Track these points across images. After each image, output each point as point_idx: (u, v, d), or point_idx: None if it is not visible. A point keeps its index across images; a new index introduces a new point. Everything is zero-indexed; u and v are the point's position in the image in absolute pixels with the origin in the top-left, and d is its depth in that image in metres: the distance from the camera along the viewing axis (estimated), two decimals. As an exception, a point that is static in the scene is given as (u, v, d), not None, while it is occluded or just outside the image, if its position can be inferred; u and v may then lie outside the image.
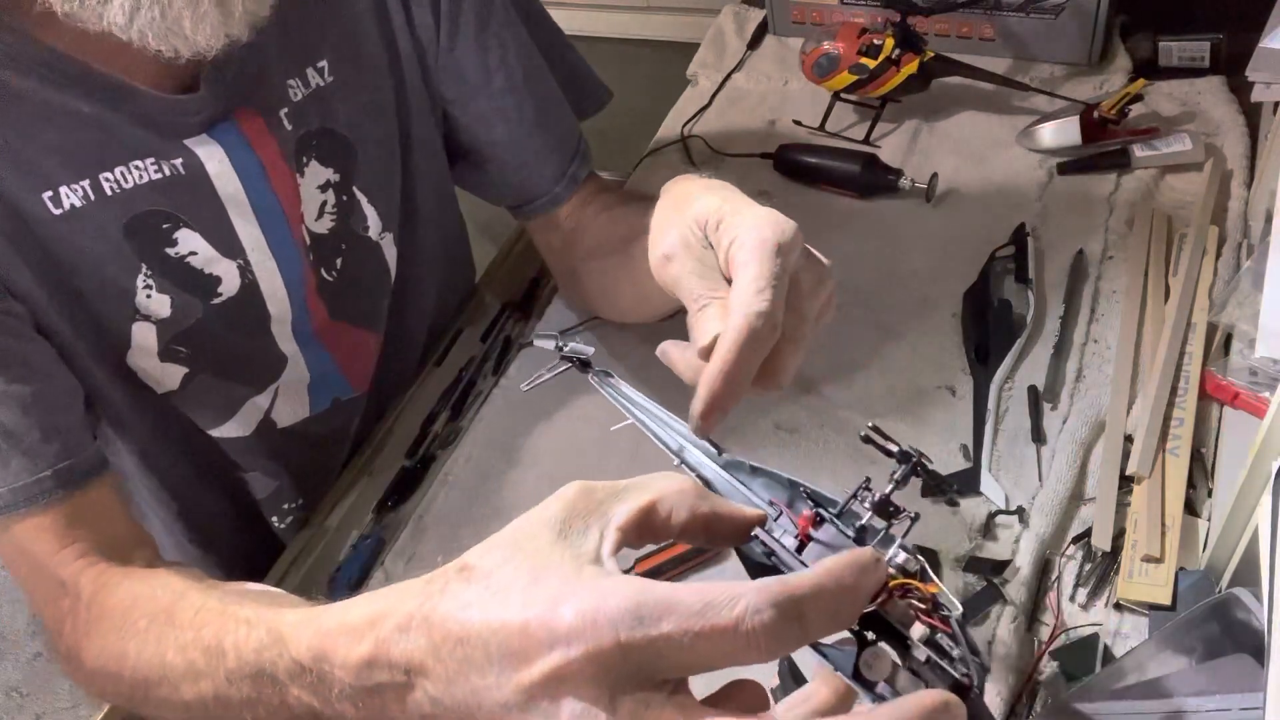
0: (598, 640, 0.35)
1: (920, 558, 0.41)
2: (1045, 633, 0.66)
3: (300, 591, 0.78)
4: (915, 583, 0.39)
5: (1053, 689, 0.63)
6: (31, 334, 0.66)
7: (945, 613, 0.39)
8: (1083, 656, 0.63)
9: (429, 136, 0.84)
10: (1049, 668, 0.64)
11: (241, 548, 0.91)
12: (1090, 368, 0.81)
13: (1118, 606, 0.66)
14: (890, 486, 0.44)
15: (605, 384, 0.59)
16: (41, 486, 0.62)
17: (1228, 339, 0.79)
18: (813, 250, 0.56)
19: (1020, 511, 0.72)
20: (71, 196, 0.65)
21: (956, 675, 0.38)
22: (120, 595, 0.60)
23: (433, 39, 0.78)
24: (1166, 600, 0.64)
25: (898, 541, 0.41)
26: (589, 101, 0.91)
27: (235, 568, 0.90)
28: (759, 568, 0.44)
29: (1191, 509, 0.69)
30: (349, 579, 0.78)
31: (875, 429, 0.46)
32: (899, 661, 0.39)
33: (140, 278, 0.69)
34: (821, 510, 0.44)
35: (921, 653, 0.38)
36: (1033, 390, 0.79)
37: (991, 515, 0.72)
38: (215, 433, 0.81)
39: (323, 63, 0.74)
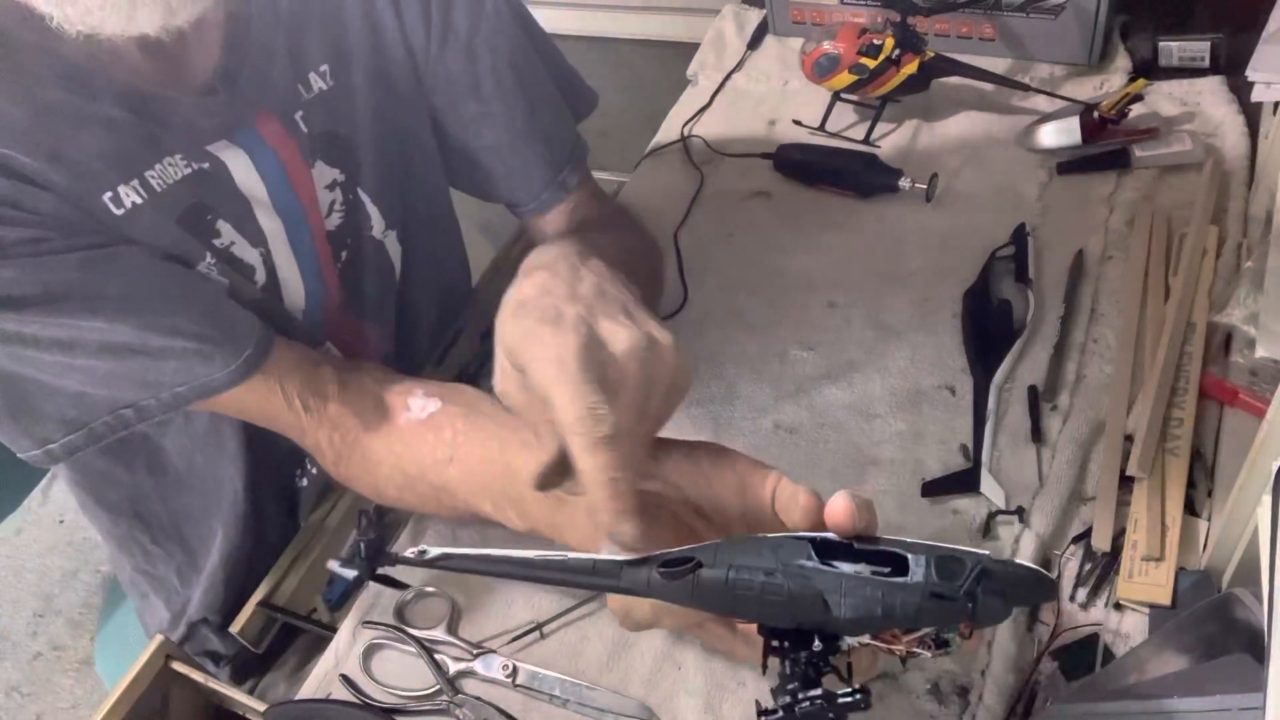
0: None
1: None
2: (1045, 633, 0.66)
3: (300, 591, 0.78)
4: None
5: (1053, 689, 0.63)
6: (160, 259, 0.69)
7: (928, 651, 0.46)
8: (1083, 656, 0.64)
9: (424, 140, 0.84)
10: (1049, 668, 0.64)
11: (262, 502, 0.91)
12: (1090, 368, 0.81)
13: (1118, 606, 0.66)
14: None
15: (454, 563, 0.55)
16: (249, 362, 0.69)
17: (1228, 339, 0.79)
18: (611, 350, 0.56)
19: (1020, 511, 0.72)
20: (131, 194, 0.66)
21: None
22: (359, 469, 0.73)
23: (423, 44, 0.79)
24: (1166, 600, 0.64)
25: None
26: (580, 106, 0.91)
27: (257, 518, 0.91)
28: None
29: (1191, 509, 0.69)
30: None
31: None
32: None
33: (204, 266, 0.71)
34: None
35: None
36: (1033, 390, 0.79)
37: (991, 515, 0.72)
38: None
39: (324, 67, 0.75)
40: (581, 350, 0.53)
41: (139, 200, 0.66)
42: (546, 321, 0.55)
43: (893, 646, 0.45)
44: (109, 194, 0.65)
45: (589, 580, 0.51)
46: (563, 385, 0.52)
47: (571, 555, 0.52)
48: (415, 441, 0.70)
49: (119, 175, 0.66)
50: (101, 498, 0.91)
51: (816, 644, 0.47)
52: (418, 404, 0.71)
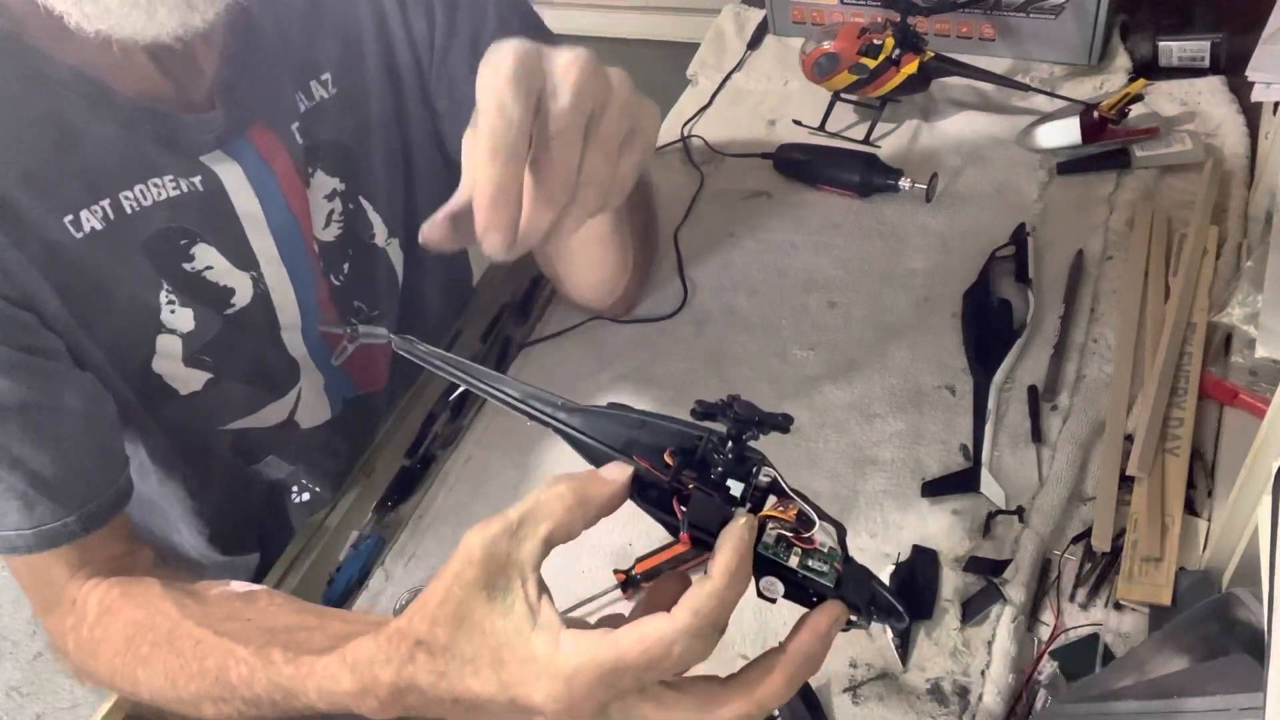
0: (575, 713, 0.44)
1: (770, 469, 0.47)
2: (1045, 633, 0.66)
3: (300, 591, 0.78)
4: (775, 513, 0.46)
5: (1053, 689, 0.63)
6: (70, 371, 0.66)
7: (808, 531, 0.47)
8: (1083, 656, 0.64)
9: (428, 145, 0.84)
10: (1049, 668, 0.64)
11: (253, 530, 0.91)
12: (1090, 368, 0.81)
13: (1118, 606, 0.66)
14: (730, 440, 0.47)
15: (414, 350, 0.58)
16: (66, 529, 0.64)
17: (1228, 339, 0.79)
18: (591, 73, 0.50)
19: (1020, 511, 0.72)
20: (91, 219, 0.65)
21: (825, 582, 0.46)
22: (122, 622, 0.63)
23: (427, 47, 0.79)
24: (1166, 600, 0.64)
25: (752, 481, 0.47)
26: None
27: (245, 551, 0.91)
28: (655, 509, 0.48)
29: (1191, 509, 0.69)
30: (349, 579, 0.78)
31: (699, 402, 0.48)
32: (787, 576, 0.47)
33: (163, 294, 0.70)
34: (684, 478, 0.47)
35: (797, 575, 0.46)
36: (1033, 390, 0.79)
37: (991, 515, 0.72)
38: (236, 425, 0.82)
39: (326, 75, 0.75)
40: (519, 58, 0.47)
41: (99, 226, 0.65)
42: (506, 49, 0.48)
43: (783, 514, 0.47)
44: (69, 217, 0.64)
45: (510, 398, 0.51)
46: (486, 87, 0.47)
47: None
48: (217, 602, 0.62)
49: (90, 196, 0.65)
50: None
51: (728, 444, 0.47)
52: (239, 584, 0.65)
